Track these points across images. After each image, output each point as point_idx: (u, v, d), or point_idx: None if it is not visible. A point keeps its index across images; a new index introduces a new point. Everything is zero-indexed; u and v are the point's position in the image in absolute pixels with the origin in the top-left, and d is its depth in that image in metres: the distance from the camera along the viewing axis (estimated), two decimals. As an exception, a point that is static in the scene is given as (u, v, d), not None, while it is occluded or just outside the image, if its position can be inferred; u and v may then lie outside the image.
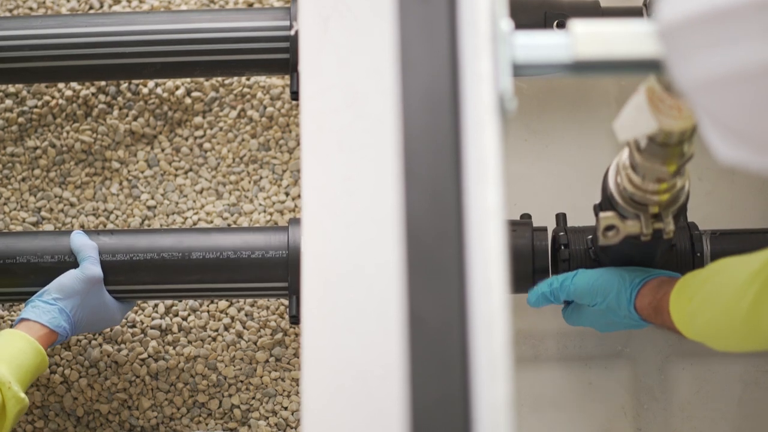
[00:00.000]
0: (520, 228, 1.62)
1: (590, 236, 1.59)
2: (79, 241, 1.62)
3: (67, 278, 1.59)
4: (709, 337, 1.38)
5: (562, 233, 1.61)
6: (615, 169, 1.43)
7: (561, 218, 1.65)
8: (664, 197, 1.40)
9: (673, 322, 1.42)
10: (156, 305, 1.84)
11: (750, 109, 0.90)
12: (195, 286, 1.67)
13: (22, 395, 1.48)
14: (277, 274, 1.65)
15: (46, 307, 1.57)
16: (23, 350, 1.51)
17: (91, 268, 1.61)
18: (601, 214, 1.43)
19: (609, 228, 1.43)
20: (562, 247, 1.60)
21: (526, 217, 1.67)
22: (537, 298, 1.58)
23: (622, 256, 1.54)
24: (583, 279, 1.54)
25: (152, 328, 1.83)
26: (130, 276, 1.64)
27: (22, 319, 1.56)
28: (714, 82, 0.90)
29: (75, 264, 1.62)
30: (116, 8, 1.97)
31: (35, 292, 1.61)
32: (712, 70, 0.90)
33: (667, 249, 1.55)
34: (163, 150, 1.92)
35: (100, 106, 1.93)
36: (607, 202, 1.44)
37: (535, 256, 1.62)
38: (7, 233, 1.71)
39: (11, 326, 1.83)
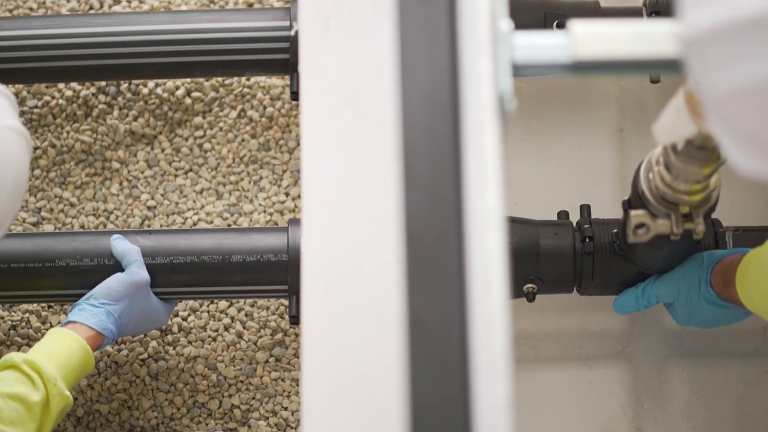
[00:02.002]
0: (562, 229, 1.62)
1: (615, 230, 1.58)
2: (121, 246, 1.63)
3: (115, 282, 1.60)
4: (764, 309, 1.41)
5: (587, 225, 1.60)
6: (647, 167, 1.42)
7: (585, 210, 1.64)
8: (696, 198, 1.39)
9: (739, 295, 1.46)
10: (156, 305, 1.84)
11: None
12: (193, 288, 1.67)
13: (67, 393, 1.48)
14: (277, 274, 1.65)
15: (93, 310, 1.58)
16: (71, 349, 1.52)
17: (138, 272, 1.61)
18: (632, 212, 1.43)
19: (639, 226, 1.43)
20: (587, 240, 1.59)
21: (564, 215, 1.66)
22: (624, 306, 1.63)
23: (648, 252, 1.53)
24: (663, 280, 1.58)
25: (152, 328, 1.83)
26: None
27: (69, 322, 1.57)
28: (738, 93, 0.90)
29: (115, 266, 1.63)
30: (116, 8, 1.97)
31: (76, 295, 1.62)
32: (736, 82, 0.90)
33: (692, 246, 1.55)
34: (163, 150, 1.92)
35: (100, 106, 1.93)
36: (637, 199, 1.44)
37: (576, 258, 1.61)
38: (44, 234, 1.70)
39: (12, 327, 1.83)
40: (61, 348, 1.52)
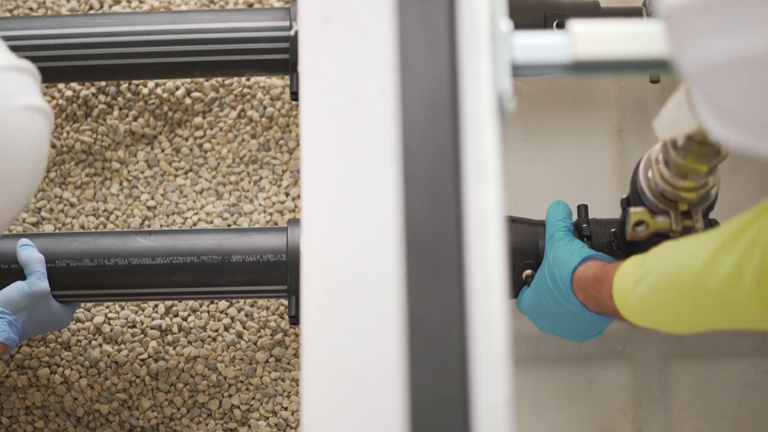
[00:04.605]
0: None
1: (613, 229, 1.58)
2: (26, 254, 1.62)
3: (14, 292, 1.59)
4: (650, 303, 1.29)
5: (585, 225, 1.60)
6: (646, 164, 1.42)
7: (583, 209, 1.63)
8: (696, 195, 1.39)
9: (612, 289, 1.36)
10: (156, 305, 1.84)
11: (751, 95, 0.90)
12: (193, 288, 1.66)
13: None
14: (277, 274, 1.65)
15: None
16: None
17: (38, 283, 1.60)
18: (632, 210, 1.42)
19: (639, 223, 1.42)
20: (585, 239, 1.59)
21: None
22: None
23: (646, 250, 1.52)
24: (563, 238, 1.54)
25: (152, 328, 1.83)
26: (125, 279, 1.64)
27: None
28: (715, 67, 0.91)
29: (114, 267, 1.63)
30: (116, 8, 1.97)
31: (75, 295, 1.62)
32: (713, 56, 0.90)
33: None
34: (163, 150, 1.92)
35: (100, 106, 1.93)
36: (636, 197, 1.44)
37: None
38: (44, 234, 1.70)
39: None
40: None
